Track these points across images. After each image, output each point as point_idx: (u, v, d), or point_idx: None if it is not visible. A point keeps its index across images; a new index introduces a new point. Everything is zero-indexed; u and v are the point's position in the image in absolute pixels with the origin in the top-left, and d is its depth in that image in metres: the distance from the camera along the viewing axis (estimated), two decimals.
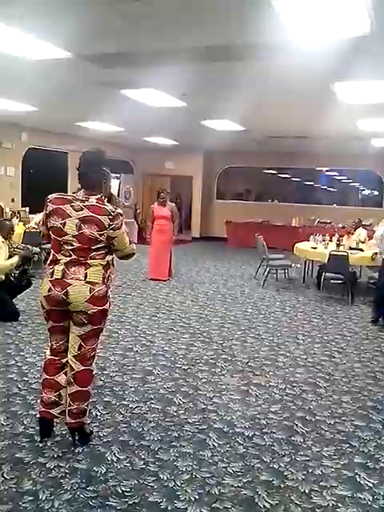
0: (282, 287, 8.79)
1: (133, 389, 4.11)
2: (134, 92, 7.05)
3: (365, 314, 6.96)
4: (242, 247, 13.53)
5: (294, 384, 4.38)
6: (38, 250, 7.21)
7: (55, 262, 3.06)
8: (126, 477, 2.86)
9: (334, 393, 4.23)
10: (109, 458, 3.04)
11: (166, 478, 2.86)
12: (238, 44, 4.74)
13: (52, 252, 3.09)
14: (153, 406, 3.81)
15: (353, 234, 9.23)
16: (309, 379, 4.52)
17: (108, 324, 3.23)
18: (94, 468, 2.92)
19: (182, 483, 2.82)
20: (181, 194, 17.65)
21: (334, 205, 15.27)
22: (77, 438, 3.16)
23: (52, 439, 3.21)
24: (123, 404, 3.81)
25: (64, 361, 3.16)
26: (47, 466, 2.92)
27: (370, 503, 2.72)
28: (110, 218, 2.98)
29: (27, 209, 10.82)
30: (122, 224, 3.05)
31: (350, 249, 8.13)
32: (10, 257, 5.96)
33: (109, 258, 3.11)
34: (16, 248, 6.43)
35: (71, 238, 2.98)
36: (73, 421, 3.11)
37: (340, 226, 11.71)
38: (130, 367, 4.60)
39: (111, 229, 2.99)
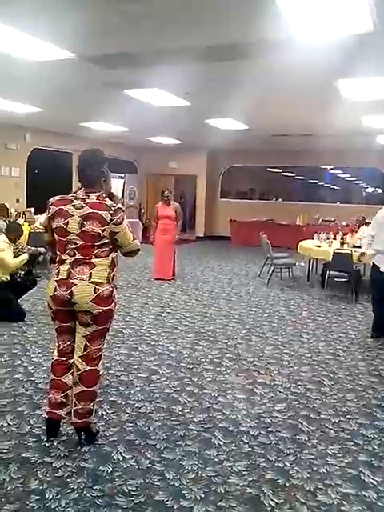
0: (287, 286, 8.79)
1: (138, 388, 4.14)
2: (138, 92, 7.07)
3: (369, 312, 6.94)
4: (246, 246, 13.54)
5: (299, 383, 4.39)
6: (43, 250, 7.25)
7: (61, 262, 3.08)
8: (132, 476, 2.88)
9: (338, 391, 4.24)
10: (115, 457, 3.06)
11: (171, 477, 2.88)
12: (240, 42, 4.75)
13: (58, 253, 3.12)
14: (158, 405, 3.83)
15: (357, 231, 9.22)
16: (313, 378, 4.53)
17: (113, 323, 3.23)
18: (101, 467, 2.95)
19: (187, 482, 2.84)
20: (185, 194, 17.68)
21: (338, 203, 15.26)
22: (83, 437, 3.18)
23: (58, 439, 3.24)
24: (129, 403, 3.84)
25: (71, 361, 3.18)
26: (54, 465, 2.95)
27: (374, 501, 2.73)
28: (110, 213, 3.00)
29: (32, 209, 10.85)
30: (123, 219, 3.07)
31: (354, 247, 8.11)
32: (15, 257, 6.01)
33: (113, 255, 3.12)
34: (22, 248, 6.48)
35: (74, 237, 3.01)
36: (78, 421, 3.14)
37: (344, 224, 11.69)
38: (136, 366, 4.63)
39: (113, 224, 3.01)
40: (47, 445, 3.17)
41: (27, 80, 6.57)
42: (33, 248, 6.73)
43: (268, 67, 5.58)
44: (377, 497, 2.76)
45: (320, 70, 5.51)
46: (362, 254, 6.33)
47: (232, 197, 16.75)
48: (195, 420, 3.61)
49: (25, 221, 9.86)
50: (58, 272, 3.07)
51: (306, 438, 3.41)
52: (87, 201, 3.03)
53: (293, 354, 5.17)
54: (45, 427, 3.28)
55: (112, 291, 3.09)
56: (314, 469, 3.02)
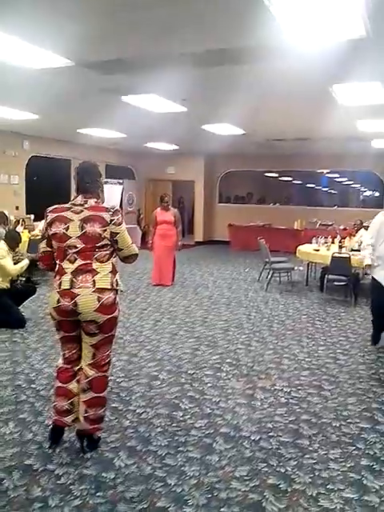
0: (286, 290, 8.81)
1: (139, 394, 4.14)
2: (135, 98, 7.10)
3: (368, 316, 6.93)
4: (244, 250, 13.56)
5: (299, 387, 4.40)
6: None
7: (61, 272, 3.08)
8: (135, 482, 2.89)
9: (339, 395, 4.25)
10: (117, 464, 3.07)
11: (173, 483, 2.89)
12: (235, 48, 4.79)
13: (57, 263, 3.13)
14: (159, 411, 3.84)
15: (354, 235, 9.24)
16: (314, 382, 4.54)
17: (116, 331, 3.25)
18: (103, 474, 2.95)
19: (189, 488, 2.85)
20: (183, 199, 17.72)
21: (336, 206, 15.30)
22: (85, 443, 3.19)
23: (60, 446, 3.24)
24: (130, 409, 3.85)
25: (76, 369, 3.19)
26: (56, 472, 2.96)
27: (376, 506, 2.73)
28: (110, 214, 3.08)
29: (32, 216, 10.87)
30: (122, 220, 3.15)
31: (352, 250, 8.14)
32: (15, 264, 6.03)
33: (113, 260, 3.15)
34: (20, 256, 6.50)
35: (75, 240, 3.03)
36: (90, 427, 3.14)
37: (341, 227, 11.72)
38: (136, 372, 4.63)
39: (113, 224, 3.07)
40: (49, 452, 3.18)
41: (25, 87, 6.60)
42: (33, 255, 6.74)
43: (263, 73, 5.62)
44: (379, 501, 2.77)
45: (315, 76, 5.55)
46: (368, 265, 5.81)
47: (230, 201, 16.78)
48: (196, 426, 3.62)
49: (24, 228, 9.87)
50: (60, 283, 3.06)
51: (308, 443, 3.41)
52: (86, 205, 3.10)
53: (293, 358, 5.18)
54: (47, 434, 3.30)
55: (115, 298, 3.10)
56: (316, 473, 3.03)
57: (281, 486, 2.90)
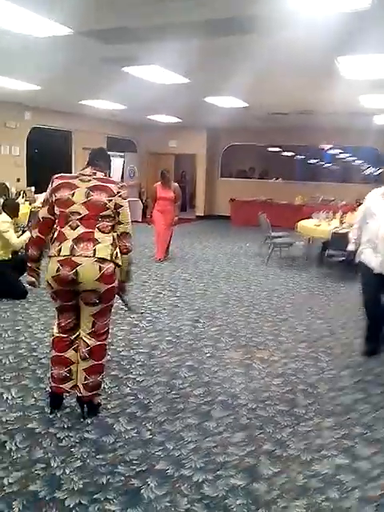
0: (286, 264, 8.86)
1: (139, 363, 4.22)
2: (137, 69, 7.01)
3: None
4: (246, 225, 13.56)
5: (296, 358, 4.48)
6: None
7: (62, 238, 3.06)
8: (134, 446, 2.98)
9: (335, 367, 4.33)
10: (117, 429, 3.16)
11: (172, 448, 2.98)
12: (239, 17, 4.71)
13: (58, 229, 3.12)
14: (159, 379, 3.92)
15: (356, 210, 9.23)
16: (311, 354, 4.62)
17: (115, 300, 3.30)
18: (103, 438, 3.04)
19: (187, 452, 2.94)
20: (185, 173, 17.61)
21: (337, 183, 15.22)
22: (86, 409, 3.26)
23: (62, 411, 3.33)
24: (130, 377, 3.93)
25: (73, 337, 3.23)
26: (58, 436, 3.04)
27: (367, 471, 2.82)
28: (118, 186, 3.18)
29: (33, 188, 10.84)
30: (127, 196, 3.23)
31: (352, 226, 8.12)
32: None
33: (113, 233, 3.17)
34: (18, 227, 6.54)
35: (79, 206, 3.06)
36: (89, 393, 3.21)
37: (343, 203, 11.70)
38: (137, 342, 4.71)
39: (119, 196, 3.14)
40: (51, 417, 3.26)
41: (24, 57, 6.51)
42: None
43: (267, 44, 5.54)
44: (370, 467, 2.86)
45: (319, 47, 5.47)
46: (352, 252, 4.84)
47: (232, 176, 16.69)
48: (195, 393, 3.70)
49: (25, 200, 9.86)
50: (60, 249, 3.04)
51: (303, 411, 3.50)
52: (95, 176, 3.18)
53: (291, 330, 5.25)
54: (48, 400, 3.37)
55: (114, 269, 3.13)
56: (310, 440, 3.12)
57: (276, 451, 2.99)
